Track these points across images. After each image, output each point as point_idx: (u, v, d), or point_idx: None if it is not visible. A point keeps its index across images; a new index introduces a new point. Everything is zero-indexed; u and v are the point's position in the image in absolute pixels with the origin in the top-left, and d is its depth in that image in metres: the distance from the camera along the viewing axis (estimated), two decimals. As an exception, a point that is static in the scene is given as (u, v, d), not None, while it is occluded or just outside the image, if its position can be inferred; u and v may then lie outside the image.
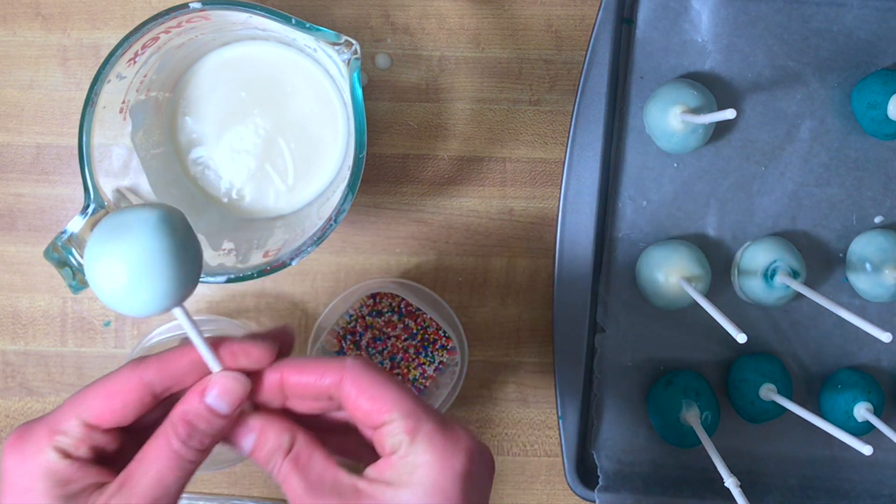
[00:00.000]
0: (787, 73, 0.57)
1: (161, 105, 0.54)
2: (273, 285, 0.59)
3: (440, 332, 0.58)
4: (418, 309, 0.58)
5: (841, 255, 0.58)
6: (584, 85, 0.56)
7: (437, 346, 0.59)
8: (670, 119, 0.54)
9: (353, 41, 0.45)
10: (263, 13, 0.45)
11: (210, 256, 0.51)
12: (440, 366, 0.59)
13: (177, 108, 0.54)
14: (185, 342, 0.39)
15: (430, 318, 0.58)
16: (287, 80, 0.54)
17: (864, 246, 0.57)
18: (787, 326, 0.58)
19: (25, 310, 0.59)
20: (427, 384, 0.59)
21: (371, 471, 0.38)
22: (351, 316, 0.58)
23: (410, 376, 0.59)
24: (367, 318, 0.58)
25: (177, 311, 0.39)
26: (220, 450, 0.54)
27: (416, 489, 0.37)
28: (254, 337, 0.40)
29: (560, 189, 0.57)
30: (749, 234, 0.58)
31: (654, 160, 0.57)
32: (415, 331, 0.58)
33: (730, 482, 0.48)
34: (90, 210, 0.47)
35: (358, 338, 0.58)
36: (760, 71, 0.57)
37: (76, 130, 0.47)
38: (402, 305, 0.58)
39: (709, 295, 0.57)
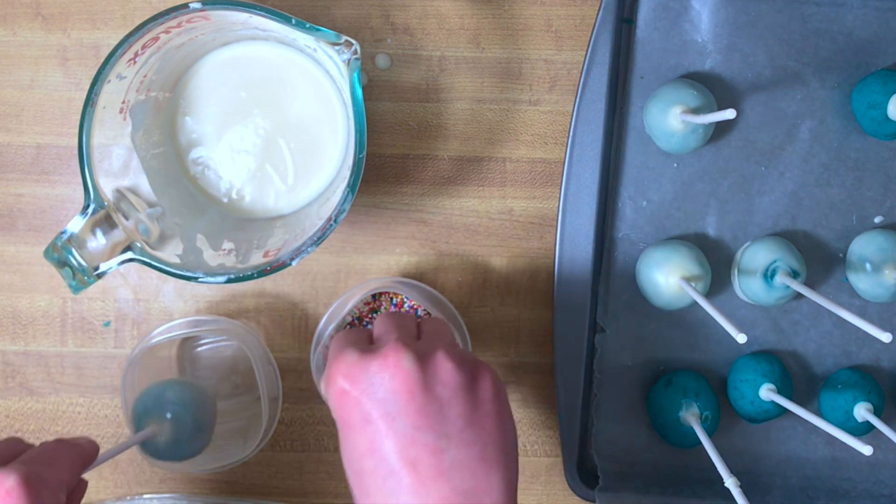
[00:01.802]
0: (787, 73, 0.57)
1: (161, 105, 0.54)
2: (273, 285, 0.59)
3: (440, 332, 0.58)
4: (421, 308, 0.58)
5: (841, 255, 0.58)
6: (584, 85, 0.56)
7: (437, 346, 0.59)
8: (670, 119, 0.54)
9: (353, 41, 0.45)
10: (263, 13, 0.45)
11: (210, 256, 0.51)
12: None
13: (177, 108, 0.54)
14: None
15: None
16: (287, 80, 0.54)
17: (864, 246, 0.57)
18: (787, 326, 0.58)
19: (25, 310, 0.59)
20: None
21: None
22: (353, 316, 0.58)
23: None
24: (370, 317, 0.58)
25: None
26: (220, 449, 0.54)
27: None
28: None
29: (560, 189, 0.57)
30: (749, 234, 0.58)
31: (654, 160, 0.57)
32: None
33: (730, 482, 0.48)
34: (90, 210, 0.47)
35: (358, 338, 0.58)
36: (760, 71, 0.57)
37: (76, 130, 0.47)
38: (404, 305, 0.58)
39: (709, 295, 0.57)
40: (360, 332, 0.50)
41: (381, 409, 0.44)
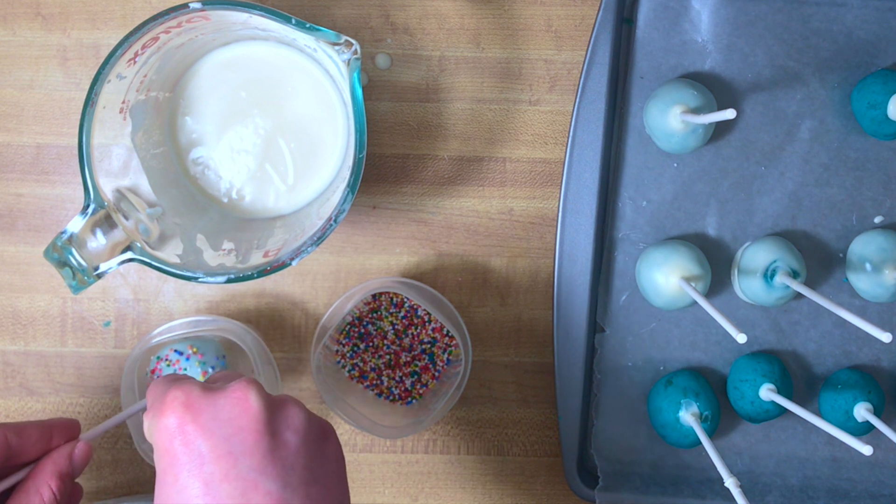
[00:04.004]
0: (787, 73, 0.57)
1: (161, 105, 0.54)
2: (273, 285, 0.59)
3: (443, 330, 0.58)
4: (421, 308, 0.58)
5: (841, 255, 0.58)
6: (584, 85, 0.56)
7: (440, 345, 0.59)
8: (670, 119, 0.54)
9: (353, 41, 0.45)
10: (263, 13, 0.45)
11: (210, 256, 0.51)
12: (443, 364, 0.59)
13: (177, 108, 0.54)
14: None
15: (433, 318, 0.58)
16: (287, 80, 0.54)
17: (864, 246, 0.57)
18: (787, 326, 0.58)
19: (25, 310, 0.59)
20: (428, 383, 0.59)
21: None
22: (353, 316, 0.58)
23: (410, 370, 0.59)
24: (370, 317, 0.58)
25: None
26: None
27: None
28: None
29: (560, 189, 0.57)
30: (749, 234, 0.58)
31: (654, 160, 0.57)
32: (417, 330, 0.58)
33: (730, 482, 0.48)
34: (90, 210, 0.47)
35: (359, 337, 0.58)
36: (760, 71, 0.57)
37: (76, 130, 0.47)
38: (404, 305, 0.58)
39: (709, 295, 0.57)
40: (187, 377, 0.46)
41: (224, 448, 0.39)
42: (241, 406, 0.40)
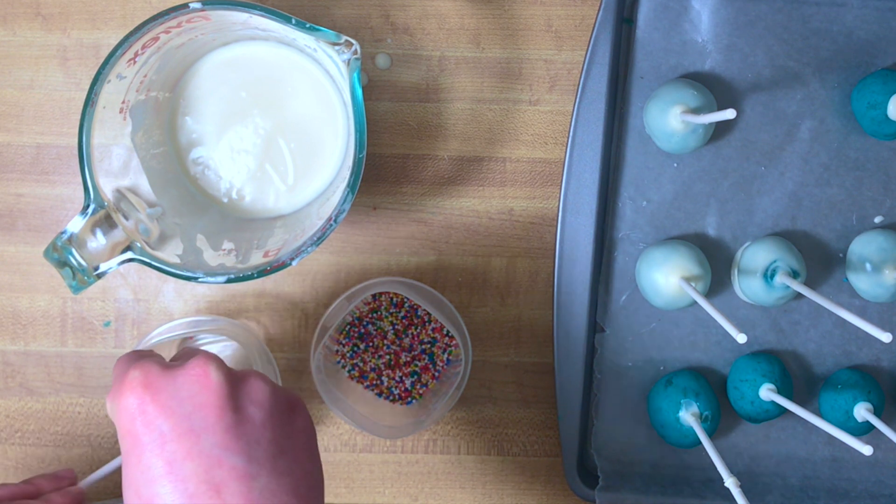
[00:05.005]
0: (787, 73, 0.57)
1: (161, 105, 0.54)
2: (273, 285, 0.59)
3: (443, 330, 0.58)
4: (421, 308, 0.58)
5: (841, 255, 0.58)
6: (584, 85, 0.56)
7: (440, 345, 0.59)
8: (670, 119, 0.54)
9: (353, 41, 0.45)
10: (263, 13, 0.45)
11: (210, 256, 0.51)
12: (443, 364, 0.59)
13: (177, 108, 0.54)
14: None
15: (433, 318, 0.58)
16: (287, 80, 0.54)
17: (864, 246, 0.57)
18: (787, 326, 0.58)
19: (25, 310, 0.59)
20: (428, 383, 0.59)
21: None
22: (353, 316, 0.58)
23: (410, 370, 0.59)
24: (370, 317, 0.58)
25: None
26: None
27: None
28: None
29: (560, 189, 0.57)
30: (749, 234, 0.58)
31: (654, 160, 0.57)
32: (417, 330, 0.58)
33: (730, 482, 0.48)
34: (90, 210, 0.47)
35: (359, 337, 0.58)
36: (760, 71, 0.57)
37: (76, 130, 0.47)
38: (404, 305, 0.58)
39: (709, 295, 0.57)
40: (150, 352, 0.45)
41: (185, 426, 0.39)
42: (200, 382, 0.40)
